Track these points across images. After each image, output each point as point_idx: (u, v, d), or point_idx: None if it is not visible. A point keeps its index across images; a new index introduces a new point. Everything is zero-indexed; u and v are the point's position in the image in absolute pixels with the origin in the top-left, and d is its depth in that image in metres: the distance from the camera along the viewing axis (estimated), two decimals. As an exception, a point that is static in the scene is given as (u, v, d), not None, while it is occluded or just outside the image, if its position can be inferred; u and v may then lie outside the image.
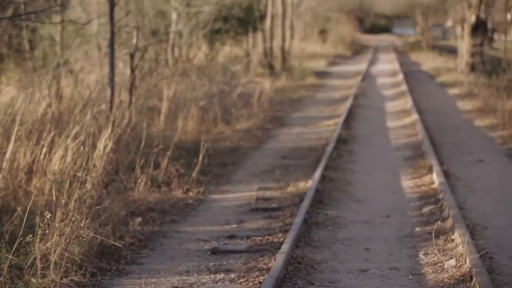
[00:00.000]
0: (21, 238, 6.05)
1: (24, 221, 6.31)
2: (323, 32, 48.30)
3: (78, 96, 11.76)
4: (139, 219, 8.23)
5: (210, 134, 13.85)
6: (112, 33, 11.56)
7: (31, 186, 8.22)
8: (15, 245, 6.02)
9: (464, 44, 29.34)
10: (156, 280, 6.34)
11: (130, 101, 12.37)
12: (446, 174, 10.49)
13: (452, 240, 7.42)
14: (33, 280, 5.84)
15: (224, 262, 6.84)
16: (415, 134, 14.63)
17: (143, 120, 11.57)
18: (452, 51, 41.23)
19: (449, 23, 56.44)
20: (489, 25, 46.12)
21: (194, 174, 10.07)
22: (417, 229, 8.10)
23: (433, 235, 7.25)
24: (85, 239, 6.50)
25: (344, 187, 10.26)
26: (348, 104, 19.10)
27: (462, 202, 9.17)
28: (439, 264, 6.77)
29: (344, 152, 12.81)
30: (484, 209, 8.95)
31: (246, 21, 23.59)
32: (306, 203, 8.64)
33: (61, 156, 8.59)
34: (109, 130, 9.21)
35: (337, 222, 8.45)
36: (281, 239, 7.34)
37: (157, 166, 9.98)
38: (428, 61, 37.51)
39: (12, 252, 6.00)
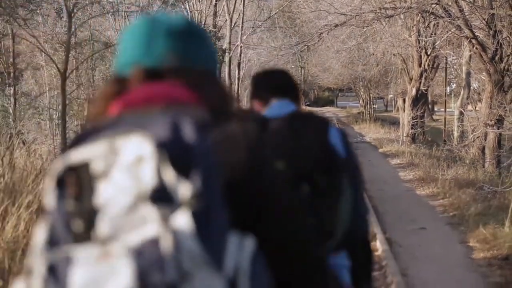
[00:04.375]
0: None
1: (-22, 290, 6.39)
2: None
3: (31, 166, 11.82)
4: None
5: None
6: (64, 105, 11.76)
7: (-16, 255, 8.25)
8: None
9: (405, 115, 30.04)
10: None
11: (81, 171, 12.46)
12: (389, 241, 10.75)
13: (396, 304, 7.69)
14: None
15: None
16: (359, 203, 14.86)
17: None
18: (394, 123, 42.21)
19: (391, 96, 57.68)
20: (430, 98, 47.47)
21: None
22: (362, 294, 8.34)
23: (377, 299, 7.50)
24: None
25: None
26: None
27: (405, 269, 9.40)
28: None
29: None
30: (426, 277, 9.20)
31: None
32: None
33: (14, 225, 8.66)
34: (62, 199, 9.31)
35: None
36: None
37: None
38: (370, 132, 38.16)
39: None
